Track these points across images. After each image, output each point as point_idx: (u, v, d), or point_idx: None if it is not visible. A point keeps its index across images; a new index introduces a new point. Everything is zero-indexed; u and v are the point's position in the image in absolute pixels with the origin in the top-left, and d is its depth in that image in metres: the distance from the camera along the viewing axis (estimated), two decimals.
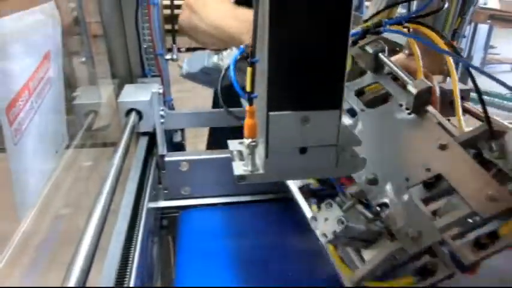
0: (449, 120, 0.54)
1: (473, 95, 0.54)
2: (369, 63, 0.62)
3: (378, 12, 0.67)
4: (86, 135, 0.79)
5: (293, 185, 0.63)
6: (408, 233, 0.43)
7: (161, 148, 0.85)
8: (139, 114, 0.78)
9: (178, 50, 0.91)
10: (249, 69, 0.38)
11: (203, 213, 0.87)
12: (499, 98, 3.21)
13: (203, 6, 0.88)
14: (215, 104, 1.19)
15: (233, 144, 0.46)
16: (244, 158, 0.43)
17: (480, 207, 0.42)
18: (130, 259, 0.57)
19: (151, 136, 0.84)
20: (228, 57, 0.77)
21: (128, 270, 0.55)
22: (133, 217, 0.64)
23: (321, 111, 0.39)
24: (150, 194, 0.75)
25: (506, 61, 4.64)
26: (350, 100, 0.60)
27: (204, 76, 0.84)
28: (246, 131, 0.40)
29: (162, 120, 0.84)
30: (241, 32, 0.78)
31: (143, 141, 0.83)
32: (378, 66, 0.62)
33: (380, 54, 0.61)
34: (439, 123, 0.52)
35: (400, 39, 0.70)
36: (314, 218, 0.46)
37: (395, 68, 0.58)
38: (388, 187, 0.49)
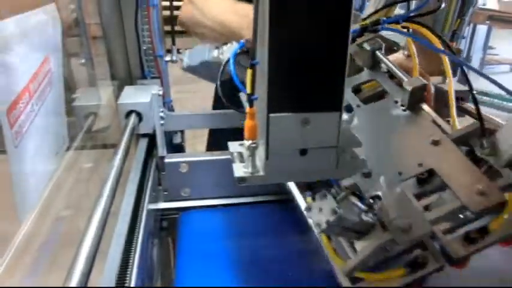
0: (448, 121, 0.54)
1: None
2: (366, 60, 0.63)
3: (376, 11, 0.68)
4: (86, 137, 0.79)
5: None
6: (399, 224, 0.44)
7: (161, 150, 0.85)
8: (139, 115, 0.78)
9: (178, 51, 0.91)
10: (249, 71, 0.38)
11: (203, 214, 0.87)
12: (498, 98, 3.21)
13: (205, 0, 0.88)
14: (216, 101, 1.19)
15: (233, 146, 0.46)
16: (244, 160, 0.43)
17: (469, 201, 0.43)
18: (131, 260, 0.57)
19: (151, 138, 0.84)
20: (228, 52, 0.77)
21: (128, 271, 0.55)
22: (134, 219, 0.64)
23: (321, 113, 0.39)
24: (150, 195, 0.75)
25: (505, 62, 4.64)
26: (347, 96, 0.60)
27: (204, 69, 0.84)
28: (246, 133, 0.40)
29: (162, 122, 0.84)
30: (242, 27, 0.79)
31: (143, 143, 0.83)
32: (374, 64, 0.63)
33: (377, 52, 0.62)
34: (433, 121, 0.53)
35: (397, 38, 0.71)
36: (309, 208, 0.47)
37: (391, 66, 0.59)
38: (382, 180, 0.50)
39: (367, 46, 0.62)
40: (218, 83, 0.57)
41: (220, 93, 0.56)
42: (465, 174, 0.46)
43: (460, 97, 0.64)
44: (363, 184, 0.51)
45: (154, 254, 0.80)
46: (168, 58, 0.91)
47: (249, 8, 0.46)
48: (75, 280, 0.38)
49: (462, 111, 0.67)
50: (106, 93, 0.88)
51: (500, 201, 0.43)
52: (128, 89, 0.84)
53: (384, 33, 0.63)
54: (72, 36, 0.84)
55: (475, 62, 3.93)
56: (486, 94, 3.14)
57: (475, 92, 0.53)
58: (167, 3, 0.89)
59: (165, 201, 0.89)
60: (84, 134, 0.79)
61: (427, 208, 0.46)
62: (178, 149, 1.00)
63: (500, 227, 0.44)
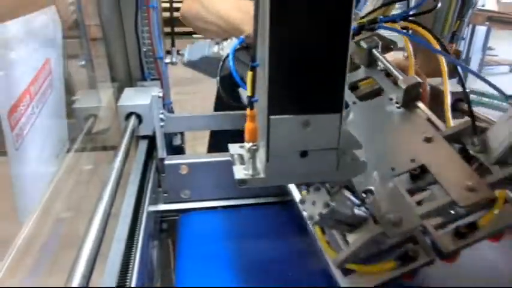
0: (444, 120, 0.55)
1: (474, 97, 0.56)
2: (363, 58, 0.64)
3: (374, 10, 0.68)
4: (86, 139, 0.79)
5: None
6: (390, 218, 0.44)
7: (161, 151, 0.85)
8: (139, 117, 0.78)
9: (178, 53, 0.91)
10: (249, 73, 0.38)
11: (203, 216, 0.87)
12: (498, 99, 3.21)
13: None
14: (218, 99, 1.20)
15: (234, 148, 0.46)
16: (245, 162, 0.43)
17: (459, 196, 0.44)
18: (131, 262, 0.57)
19: (151, 139, 0.84)
20: (228, 47, 0.78)
21: (129, 272, 0.55)
22: (134, 220, 0.64)
23: (322, 114, 0.39)
24: (150, 197, 0.75)
25: (504, 62, 4.65)
26: None
27: (204, 65, 0.84)
28: (246, 135, 0.40)
29: (161, 124, 0.84)
30: (244, 23, 0.79)
31: (143, 145, 0.83)
32: (371, 62, 0.64)
33: (374, 50, 0.63)
34: (428, 119, 0.54)
35: (396, 37, 0.71)
36: (302, 200, 0.47)
37: (387, 64, 0.60)
38: (375, 175, 0.51)
39: (364, 44, 0.63)
40: (218, 78, 0.58)
41: (219, 87, 0.57)
42: (455, 171, 0.47)
43: (460, 98, 0.64)
44: (356, 178, 0.51)
45: (154, 256, 0.80)
46: (168, 60, 0.91)
47: (250, 5, 0.47)
48: (76, 282, 0.38)
49: (461, 113, 0.67)
50: (106, 95, 0.88)
51: (489, 197, 0.44)
52: (127, 91, 0.84)
53: (380, 30, 0.64)
54: (72, 37, 0.84)
55: (474, 63, 3.93)
56: (485, 95, 3.14)
57: (468, 90, 0.54)
58: (167, 5, 0.90)
59: (165, 203, 0.89)
60: (84, 136, 0.79)
61: (419, 203, 0.47)
62: (178, 150, 1.00)
63: (489, 223, 0.46)
